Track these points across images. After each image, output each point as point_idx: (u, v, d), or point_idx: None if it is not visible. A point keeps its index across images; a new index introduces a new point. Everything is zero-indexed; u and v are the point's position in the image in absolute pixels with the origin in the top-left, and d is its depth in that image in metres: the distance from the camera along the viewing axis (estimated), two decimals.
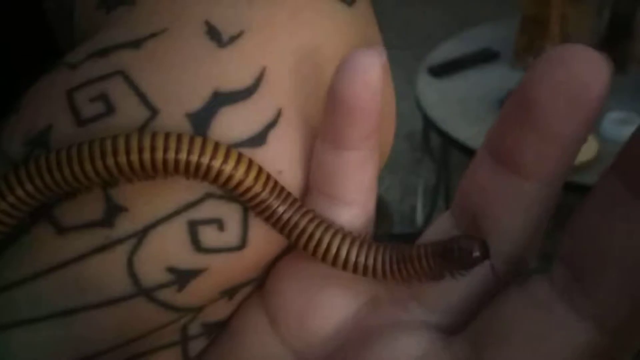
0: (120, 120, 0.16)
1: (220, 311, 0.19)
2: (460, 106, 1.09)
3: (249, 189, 0.16)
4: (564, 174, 0.15)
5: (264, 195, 0.16)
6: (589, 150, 0.92)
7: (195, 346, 0.19)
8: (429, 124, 1.13)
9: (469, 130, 1.03)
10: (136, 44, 0.17)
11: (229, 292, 0.19)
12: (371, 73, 0.15)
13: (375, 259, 0.17)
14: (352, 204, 0.18)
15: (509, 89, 0.88)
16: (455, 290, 0.17)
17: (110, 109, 0.16)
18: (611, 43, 1.09)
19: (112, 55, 0.17)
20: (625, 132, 0.88)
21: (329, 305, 0.18)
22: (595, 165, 0.91)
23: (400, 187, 1.25)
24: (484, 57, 1.19)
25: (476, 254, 0.15)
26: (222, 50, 0.17)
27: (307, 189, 0.18)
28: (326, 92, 0.16)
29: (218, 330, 0.20)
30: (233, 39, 0.17)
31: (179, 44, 0.17)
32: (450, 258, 0.16)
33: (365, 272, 0.17)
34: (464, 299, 0.17)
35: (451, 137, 1.04)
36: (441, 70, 1.17)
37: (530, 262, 0.17)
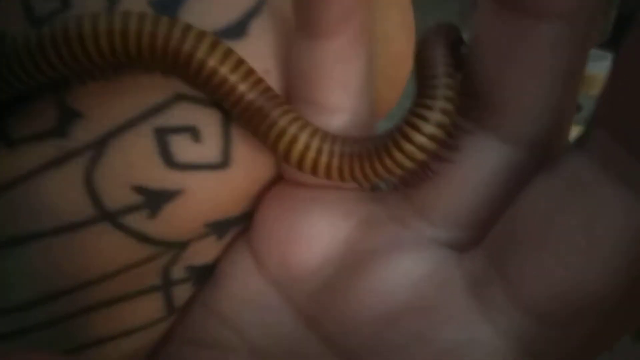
0: (76, 14, 0.14)
1: (207, 252, 0.17)
2: None
3: (225, 81, 0.14)
4: (593, 5, 0.11)
5: (244, 90, 0.14)
6: None
7: (181, 293, 0.17)
8: None
9: None
10: None
11: (216, 227, 0.16)
12: None
13: (347, 155, 0.14)
14: (338, 110, 0.14)
15: None
16: (464, 194, 0.14)
17: (65, 3, 0.14)
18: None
19: None
20: None
21: (313, 231, 0.15)
22: None
23: None
24: None
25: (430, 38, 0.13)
26: None
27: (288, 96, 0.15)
28: None
29: (206, 276, 0.17)
30: None
31: None
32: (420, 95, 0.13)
33: (342, 174, 0.14)
34: (476, 204, 0.13)
35: None
36: None
37: (560, 151, 0.13)
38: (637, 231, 0.10)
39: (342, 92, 0.14)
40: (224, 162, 0.15)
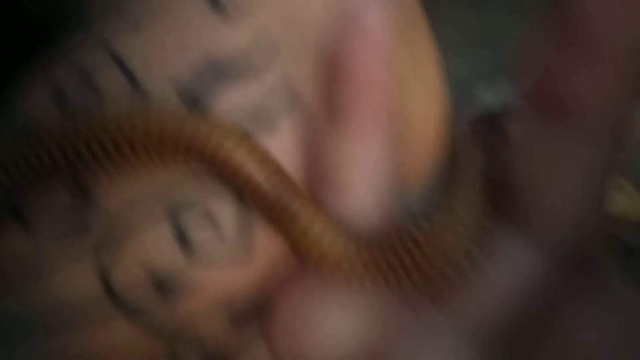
0: (103, 100, 0.14)
1: (222, 339, 0.16)
2: None
3: (246, 173, 0.14)
4: (624, 124, 0.11)
5: (263, 179, 0.14)
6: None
7: None
8: None
9: None
10: (125, 16, 0.15)
11: (231, 315, 0.16)
12: (367, 18, 0.12)
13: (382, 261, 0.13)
14: (357, 190, 0.14)
15: None
16: (489, 297, 0.13)
17: (92, 88, 0.14)
18: None
19: (97, 27, 0.15)
20: None
21: (330, 327, 0.15)
22: None
23: None
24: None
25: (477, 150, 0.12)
26: (223, 16, 0.15)
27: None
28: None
29: None
30: (234, 4, 0.15)
31: (172, 9, 0.15)
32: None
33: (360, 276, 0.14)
34: (501, 309, 0.13)
35: None
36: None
37: (599, 253, 0.13)
38: None
39: (363, 173, 0.14)
40: (242, 250, 0.15)
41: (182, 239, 0.14)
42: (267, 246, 0.15)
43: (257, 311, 0.16)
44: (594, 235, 0.13)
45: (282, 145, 0.14)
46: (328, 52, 0.13)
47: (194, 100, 0.14)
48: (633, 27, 0.10)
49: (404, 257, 0.13)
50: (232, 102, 0.14)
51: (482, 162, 0.13)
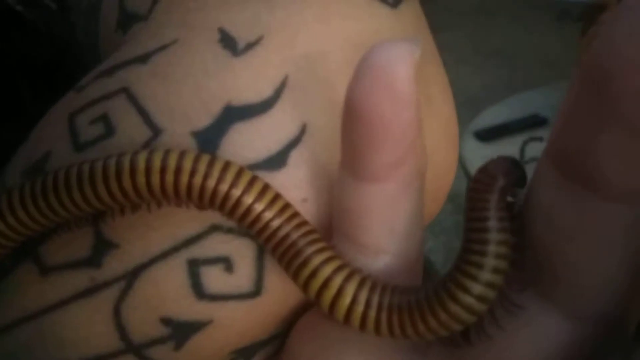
0: (120, 142, 0.15)
1: None
2: None
3: (259, 218, 0.14)
4: None
5: (278, 225, 0.14)
6: None
7: None
8: None
9: None
10: (143, 58, 0.15)
11: (242, 353, 0.16)
12: (398, 70, 0.11)
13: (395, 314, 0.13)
14: (383, 252, 0.14)
15: None
16: (516, 355, 0.13)
17: (109, 130, 0.15)
18: None
19: (118, 73, 0.15)
20: None
21: None
22: None
23: (444, 249, 1.23)
24: (532, 122, 1.18)
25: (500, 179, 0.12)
26: (236, 59, 0.15)
27: (331, 229, 0.15)
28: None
29: None
30: (250, 45, 0.15)
31: (188, 55, 0.15)
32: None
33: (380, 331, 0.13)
34: None
35: None
36: (488, 135, 1.17)
37: (629, 325, 0.12)
38: None
39: (389, 235, 0.13)
40: (255, 291, 0.15)
41: (197, 284, 0.14)
42: (278, 282, 0.15)
43: (267, 345, 0.16)
44: (628, 296, 0.12)
45: (290, 178, 0.15)
46: (346, 92, 0.12)
47: (207, 141, 0.14)
48: None
49: (416, 318, 0.13)
50: (244, 139, 0.14)
51: (500, 206, 0.12)
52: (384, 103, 0.11)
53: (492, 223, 0.12)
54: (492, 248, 0.12)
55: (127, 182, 0.13)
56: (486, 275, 0.12)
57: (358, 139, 0.12)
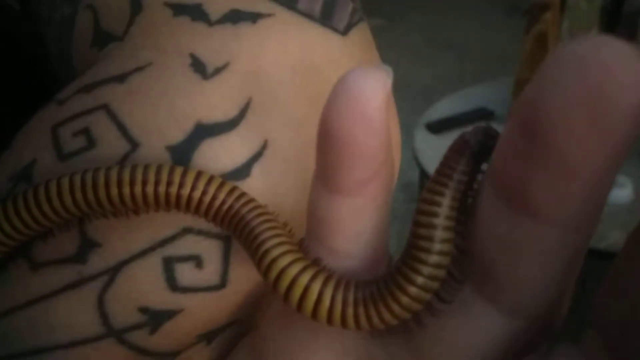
0: (101, 154, 0.16)
1: (197, 357, 0.18)
2: None
3: (229, 208, 0.15)
4: (595, 215, 0.11)
5: (244, 213, 0.15)
6: None
7: None
8: (425, 177, 1.17)
9: None
10: (121, 78, 0.17)
11: (207, 336, 0.18)
12: (372, 100, 0.12)
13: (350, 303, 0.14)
14: (350, 257, 0.14)
15: None
16: (457, 353, 0.14)
17: (91, 143, 0.16)
18: None
19: (97, 90, 0.17)
20: None
21: None
22: None
23: (397, 237, 1.27)
24: (480, 115, 1.24)
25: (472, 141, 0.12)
26: (206, 82, 0.17)
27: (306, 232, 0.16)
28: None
29: None
30: (218, 70, 0.17)
31: (163, 77, 0.17)
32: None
33: (337, 322, 0.14)
34: (473, 355, 0.13)
35: None
36: (438, 127, 1.21)
37: (557, 324, 0.13)
38: None
39: (356, 242, 0.14)
40: (221, 284, 0.17)
41: (171, 278, 0.16)
42: (242, 275, 0.17)
43: (230, 328, 0.18)
44: (561, 297, 0.13)
45: (254, 187, 0.16)
46: (322, 113, 0.13)
47: (181, 155, 0.16)
48: (597, 146, 0.10)
49: (380, 307, 0.13)
50: (213, 153, 0.16)
51: (452, 204, 0.13)
52: (357, 128, 0.12)
53: (441, 221, 0.13)
54: (436, 246, 0.13)
55: (114, 192, 0.15)
56: (429, 270, 0.13)
57: (331, 157, 0.13)
